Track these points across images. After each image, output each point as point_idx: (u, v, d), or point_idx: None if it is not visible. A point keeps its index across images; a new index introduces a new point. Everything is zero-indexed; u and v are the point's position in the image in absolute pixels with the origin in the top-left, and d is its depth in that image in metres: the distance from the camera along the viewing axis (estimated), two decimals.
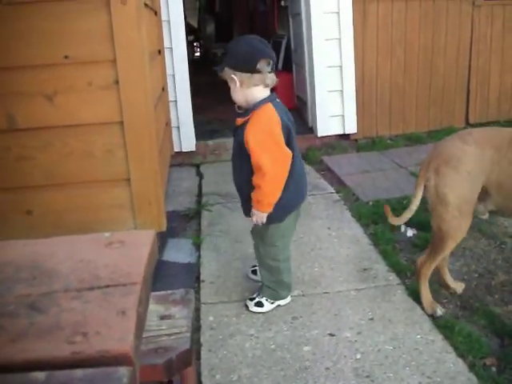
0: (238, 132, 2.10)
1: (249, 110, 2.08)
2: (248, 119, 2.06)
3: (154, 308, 1.23)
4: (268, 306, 2.28)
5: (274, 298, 2.29)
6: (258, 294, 2.31)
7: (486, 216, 2.27)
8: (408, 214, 2.38)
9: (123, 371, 0.44)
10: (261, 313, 2.26)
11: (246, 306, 2.30)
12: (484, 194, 2.13)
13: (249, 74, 2.04)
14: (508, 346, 2.02)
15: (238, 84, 2.06)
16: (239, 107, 2.14)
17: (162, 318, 1.19)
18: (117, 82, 2.46)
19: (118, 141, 2.53)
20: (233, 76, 2.06)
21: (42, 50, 2.43)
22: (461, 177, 2.09)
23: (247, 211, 2.21)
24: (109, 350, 0.47)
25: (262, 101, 2.07)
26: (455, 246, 2.20)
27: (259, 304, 2.28)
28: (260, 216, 2.13)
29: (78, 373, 0.44)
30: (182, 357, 1.07)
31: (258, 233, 2.25)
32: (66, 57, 2.44)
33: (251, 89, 2.06)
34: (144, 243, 0.70)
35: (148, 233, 0.74)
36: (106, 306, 0.54)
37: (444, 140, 2.28)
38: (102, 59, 2.44)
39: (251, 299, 2.31)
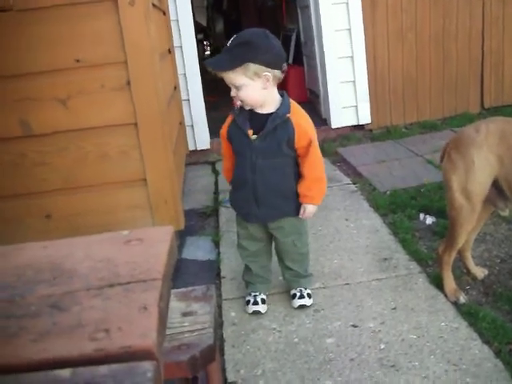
0: (276, 136, 1.98)
1: (281, 109, 1.98)
2: (288, 117, 1.98)
3: (175, 305, 1.23)
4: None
5: (312, 283, 2.34)
6: (304, 288, 2.27)
7: (505, 213, 2.23)
8: None
9: (147, 366, 0.44)
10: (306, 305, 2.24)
11: (302, 306, 2.22)
12: (501, 191, 2.09)
13: (279, 71, 1.94)
14: None
15: (268, 82, 1.91)
16: (241, 107, 2.02)
17: (185, 314, 1.19)
18: (129, 83, 2.47)
19: (132, 142, 2.54)
20: (266, 73, 1.89)
21: (54, 54, 2.45)
22: (466, 165, 2.05)
23: (278, 213, 2.11)
24: (131, 346, 0.47)
25: (286, 97, 2.03)
26: (466, 234, 2.17)
27: (310, 295, 2.27)
28: (313, 210, 2.10)
29: (103, 369, 0.44)
30: (206, 353, 1.07)
31: (295, 230, 2.17)
32: (77, 60, 2.45)
33: (274, 87, 1.99)
34: (163, 239, 0.70)
35: (166, 229, 0.74)
36: (127, 303, 0.54)
37: (466, 126, 2.26)
38: (113, 61, 2.45)
39: (301, 297, 2.23)
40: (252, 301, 2.24)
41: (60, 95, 2.49)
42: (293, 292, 2.28)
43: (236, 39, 1.90)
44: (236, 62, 1.87)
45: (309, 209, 2.09)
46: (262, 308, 2.22)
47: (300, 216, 2.10)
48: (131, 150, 2.54)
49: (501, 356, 1.83)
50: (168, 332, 1.13)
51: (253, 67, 1.87)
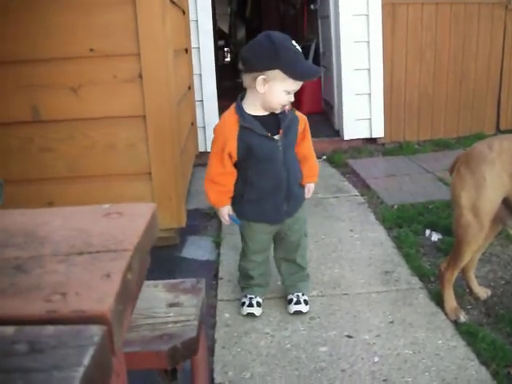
0: (291, 128, 2.02)
1: (288, 110, 2.02)
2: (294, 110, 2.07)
3: (162, 295, 1.21)
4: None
5: (309, 288, 2.32)
6: (302, 294, 2.22)
7: None
8: None
9: (95, 330, 0.41)
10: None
11: (297, 312, 2.17)
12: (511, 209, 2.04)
13: None
14: None
15: None
16: (242, 116, 1.97)
17: (171, 305, 1.16)
18: (141, 76, 2.46)
19: (140, 135, 2.53)
20: None
21: (68, 42, 2.45)
22: (476, 182, 2.00)
23: (300, 202, 2.15)
24: (85, 310, 0.44)
25: None
26: (472, 253, 2.11)
27: (307, 302, 2.22)
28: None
29: (49, 329, 0.42)
30: (188, 345, 1.04)
31: (304, 217, 2.20)
32: (91, 50, 2.45)
33: None
34: (142, 215, 0.67)
35: (149, 205, 0.71)
36: (92, 270, 0.52)
37: (477, 142, 2.21)
38: (127, 52, 2.45)
39: (297, 302, 2.19)
40: (247, 303, 2.20)
41: (71, 83, 2.48)
42: (290, 297, 2.23)
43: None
44: None
45: (312, 187, 2.17)
46: (256, 311, 2.18)
47: (307, 197, 2.17)
48: (138, 142, 2.52)
49: (498, 378, 1.78)
50: (151, 321, 1.10)
51: None
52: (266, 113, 1.98)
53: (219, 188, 2.04)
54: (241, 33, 13.41)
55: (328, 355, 1.92)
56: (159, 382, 1.12)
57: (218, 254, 2.79)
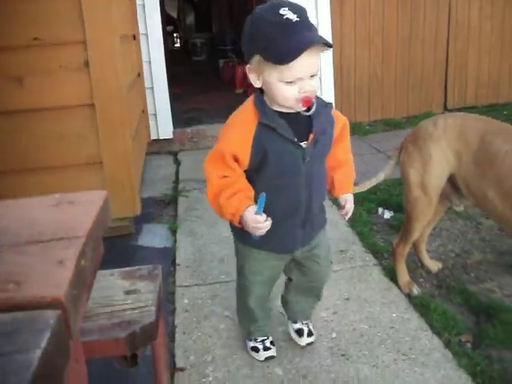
0: (326, 133, 1.52)
1: (318, 101, 1.47)
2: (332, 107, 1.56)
3: (119, 283, 1.21)
4: None
5: None
6: (310, 322, 1.95)
7: (460, 208, 2.26)
8: (367, 185, 2.40)
9: (50, 314, 0.42)
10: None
11: (309, 344, 1.90)
12: (456, 187, 2.10)
13: None
14: (483, 322, 2.02)
15: None
16: (264, 110, 1.44)
17: (128, 292, 1.17)
18: (87, 64, 2.42)
19: (89, 124, 2.49)
20: None
21: (11, 31, 2.38)
22: (423, 159, 2.07)
23: (318, 226, 1.69)
24: (40, 296, 0.44)
25: None
26: (421, 227, 2.18)
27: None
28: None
29: (6, 316, 0.42)
30: (147, 330, 1.05)
31: (328, 255, 1.79)
32: (35, 38, 2.39)
33: None
34: (93, 202, 0.68)
35: (98, 192, 0.71)
36: (45, 258, 0.52)
37: (424, 120, 2.26)
38: (72, 40, 2.40)
39: (310, 334, 1.90)
40: (261, 347, 1.85)
41: (16, 74, 2.42)
42: (299, 327, 1.92)
43: (303, 11, 1.37)
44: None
45: (350, 201, 1.64)
46: (274, 351, 1.86)
47: (344, 213, 1.64)
48: (88, 132, 2.49)
49: (450, 346, 1.86)
50: (109, 309, 1.11)
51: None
52: (292, 110, 1.43)
53: (230, 191, 1.46)
54: (190, 18, 13.27)
55: (287, 334, 1.96)
56: (119, 369, 1.13)
57: (175, 241, 2.78)
